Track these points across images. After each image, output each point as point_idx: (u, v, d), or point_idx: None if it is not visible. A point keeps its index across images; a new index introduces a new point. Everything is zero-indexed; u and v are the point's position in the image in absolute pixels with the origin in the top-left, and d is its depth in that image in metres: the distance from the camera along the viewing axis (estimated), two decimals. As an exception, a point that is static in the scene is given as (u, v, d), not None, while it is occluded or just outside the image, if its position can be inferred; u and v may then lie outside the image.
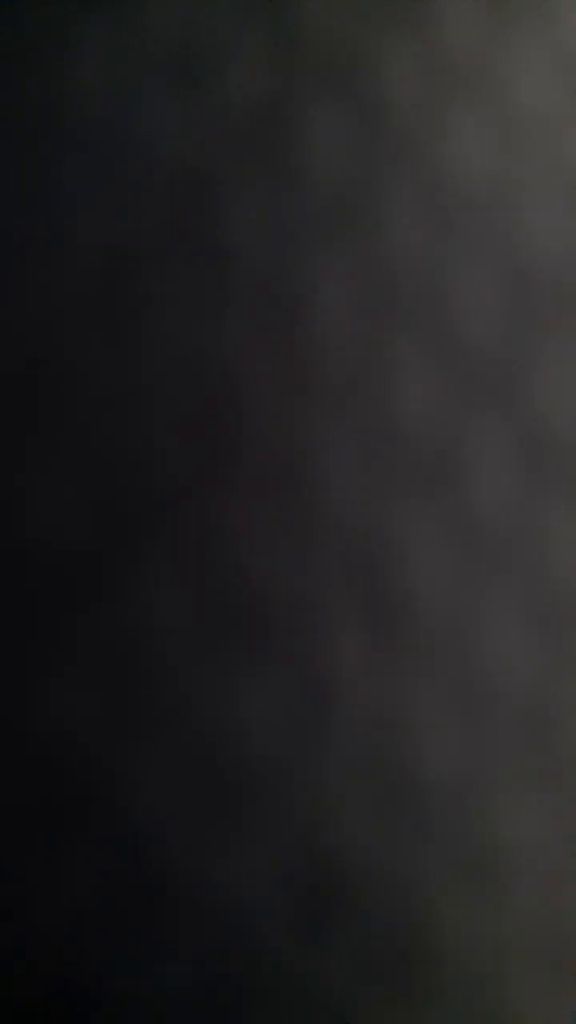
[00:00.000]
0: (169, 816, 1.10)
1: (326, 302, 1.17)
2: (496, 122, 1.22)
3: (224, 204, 1.16)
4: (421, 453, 1.18)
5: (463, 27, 1.22)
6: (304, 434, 1.16)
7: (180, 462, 1.13)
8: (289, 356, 1.16)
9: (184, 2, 1.17)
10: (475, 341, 1.20)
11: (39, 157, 1.14)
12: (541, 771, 1.17)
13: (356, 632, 1.14)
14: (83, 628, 1.10)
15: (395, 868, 1.13)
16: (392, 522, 1.16)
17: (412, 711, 1.15)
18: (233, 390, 1.15)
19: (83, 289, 1.13)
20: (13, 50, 1.14)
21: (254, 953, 1.10)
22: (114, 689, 1.10)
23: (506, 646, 1.17)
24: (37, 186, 1.14)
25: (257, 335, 1.15)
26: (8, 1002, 1.06)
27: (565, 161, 1.23)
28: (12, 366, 1.12)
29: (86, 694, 1.10)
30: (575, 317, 1.23)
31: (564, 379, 1.22)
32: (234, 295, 1.16)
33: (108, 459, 1.12)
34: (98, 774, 1.09)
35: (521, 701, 1.17)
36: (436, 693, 1.15)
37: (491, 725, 1.16)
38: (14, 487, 1.11)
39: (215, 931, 1.10)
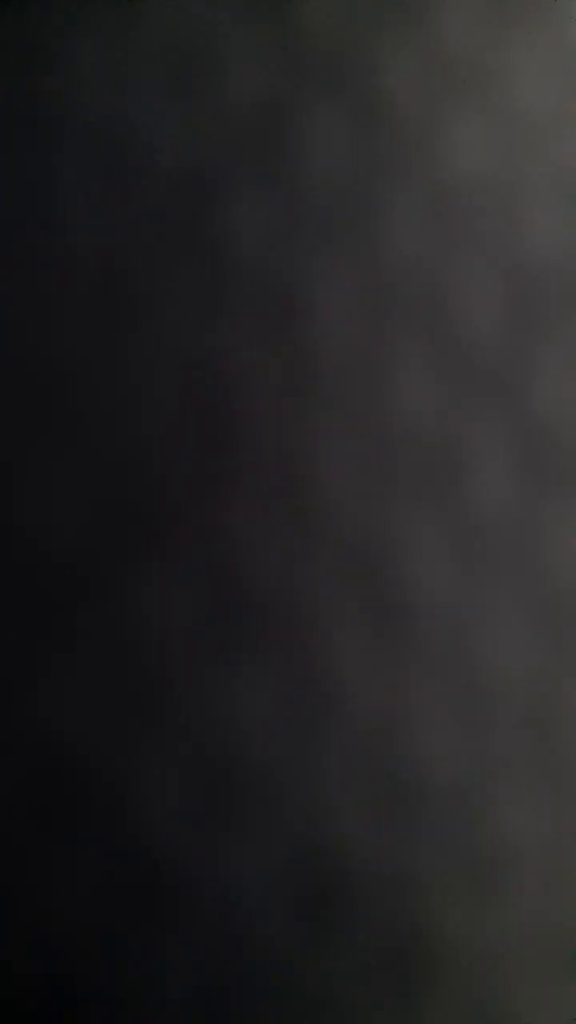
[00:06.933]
0: (169, 816, 1.10)
1: (326, 302, 1.17)
2: (496, 122, 1.22)
3: (224, 205, 1.16)
4: (421, 453, 1.18)
5: (463, 27, 1.22)
6: (304, 435, 1.16)
7: (180, 463, 1.13)
8: (289, 357, 1.16)
9: (184, 3, 1.17)
10: (475, 341, 1.20)
11: (39, 158, 1.14)
12: (541, 771, 1.17)
13: (356, 632, 1.14)
14: (83, 628, 1.10)
15: (395, 868, 1.13)
16: (392, 522, 1.16)
17: (412, 711, 1.15)
18: (233, 391, 1.15)
19: (83, 290, 1.13)
20: (13, 51, 1.14)
21: (254, 953, 1.10)
22: (114, 689, 1.10)
23: (506, 646, 1.17)
24: (37, 187, 1.14)
25: (257, 336, 1.16)
26: (7, 1002, 1.06)
27: (565, 161, 1.23)
28: (12, 368, 1.12)
29: (86, 694, 1.10)
30: (575, 317, 1.23)
31: (564, 379, 1.22)
32: (234, 296, 1.16)
33: (108, 460, 1.12)
34: (98, 774, 1.09)
35: (521, 700, 1.17)
36: (436, 693, 1.15)
37: (490, 725, 1.16)
38: (15, 488, 1.11)
39: (215, 931, 1.10)
